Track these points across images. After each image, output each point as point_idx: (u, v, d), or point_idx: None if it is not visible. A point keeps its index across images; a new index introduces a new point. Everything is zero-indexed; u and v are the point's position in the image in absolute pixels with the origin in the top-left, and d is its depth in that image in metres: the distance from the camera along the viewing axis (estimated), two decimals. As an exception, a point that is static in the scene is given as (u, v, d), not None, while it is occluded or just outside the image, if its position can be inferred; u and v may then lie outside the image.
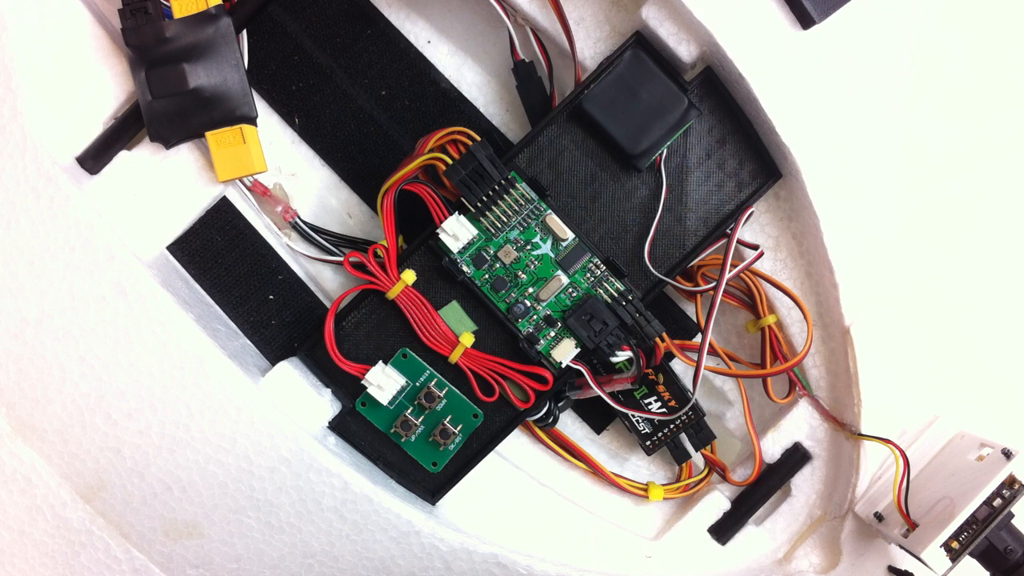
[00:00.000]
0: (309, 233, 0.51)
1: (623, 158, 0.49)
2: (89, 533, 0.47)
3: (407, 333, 0.50)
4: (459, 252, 0.49)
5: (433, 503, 0.51)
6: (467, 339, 0.49)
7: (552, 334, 0.49)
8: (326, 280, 0.53)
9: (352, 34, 0.52)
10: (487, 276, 0.49)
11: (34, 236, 0.46)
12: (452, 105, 0.53)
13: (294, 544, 0.47)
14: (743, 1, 0.46)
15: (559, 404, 0.52)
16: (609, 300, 0.49)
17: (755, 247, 0.50)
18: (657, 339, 0.49)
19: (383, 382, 0.49)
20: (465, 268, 0.49)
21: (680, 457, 0.53)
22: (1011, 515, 0.47)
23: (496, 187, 0.48)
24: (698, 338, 0.50)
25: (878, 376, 0.50)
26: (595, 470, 0.53)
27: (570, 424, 0.56)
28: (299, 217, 0.51)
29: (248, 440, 0.46)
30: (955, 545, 0.46)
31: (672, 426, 0.52)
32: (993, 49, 0.61)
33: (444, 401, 0.50)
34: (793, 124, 0.47)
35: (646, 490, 0.53)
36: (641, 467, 0.56)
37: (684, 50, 0.48)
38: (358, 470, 0.48)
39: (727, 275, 0.48)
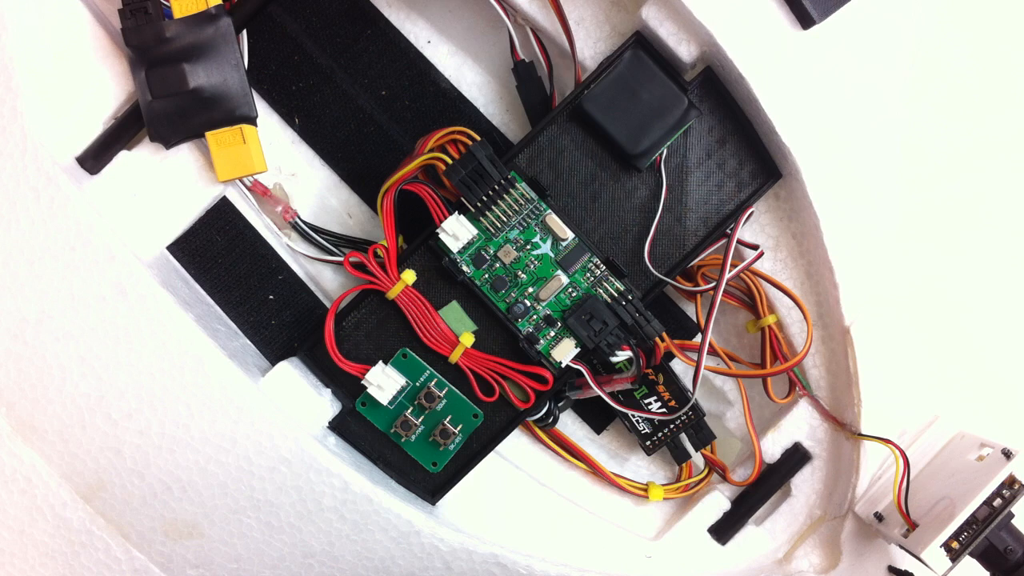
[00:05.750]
0: (309, 233, 0.51)
1: (623, 158, 0.49)
2: (89, 533, 0.47)
3: (407, 333, 0.50)
4: (459, 252, 0.49)
5: (433, 503, 0.50)
6: (467, 339, 0.49)
7: (552, 334, 0.49)
8: (326, 280, 0.53)
9: (352, 34, 0.52)
10: (487, 276, 0.49)
11: (34, 236, 0.46)
12: (452, 105, 0.53)
13: (294, 544, 0.47)
14: (743, 1, 0.46)
15: (559, 404, 0.52)
16: (609, 300, 0.49)
17: (755, 247, 0.50)
18: (657, 339, 0.49)
19: (383, 382, 0.49)
20: (465, 268, 0.49)
21: (680, 457, 0.53)
22: (1011, 515, 0.47)
23: (496, 187, 0.48)
24: (698, 338, 0.50)
25: (878, 376, 0.50)
26: (595, 470, 0.53)
27: (570, 424, 0.56)
28: (299, 217, 0.51)
29: (248, 440, 0.46)
30: (955, 545, 0.46)
31: (672, 426, 0.52)
32: (993, 49, 0.61)
33: (444, 401, 0.50)
34: (793, 124, 0.47)
35: (646, 490, 0.53)
36: (641, 467, 0.56)
37: (684, 50, 0.48)
38: (358, 470, 0.48)
39: (727, 275, 0.48)
